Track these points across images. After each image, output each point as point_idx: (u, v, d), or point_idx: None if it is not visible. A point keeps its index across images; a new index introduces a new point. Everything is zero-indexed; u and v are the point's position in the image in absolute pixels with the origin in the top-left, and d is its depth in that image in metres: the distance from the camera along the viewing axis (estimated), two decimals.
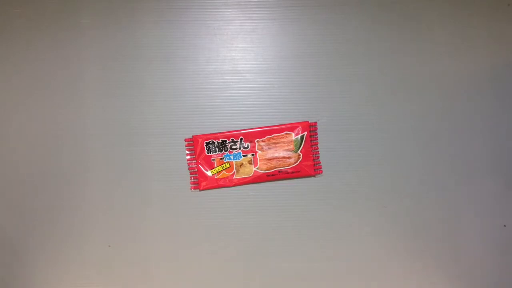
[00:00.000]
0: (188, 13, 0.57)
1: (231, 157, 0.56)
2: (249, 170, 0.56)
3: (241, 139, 0.56)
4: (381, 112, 0.57)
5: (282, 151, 0.56)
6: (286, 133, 0.56)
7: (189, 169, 0.57)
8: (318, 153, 0.57)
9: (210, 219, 0.57)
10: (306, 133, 0.56)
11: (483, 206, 0.58)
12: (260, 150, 0.56)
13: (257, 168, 0.56)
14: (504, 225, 0.58)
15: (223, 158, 0.56)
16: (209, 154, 0.56)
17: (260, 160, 0.56)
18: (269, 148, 0.56)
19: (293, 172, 0.56)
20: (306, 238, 0.58)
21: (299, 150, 0.56)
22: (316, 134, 0.57)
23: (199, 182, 0.57)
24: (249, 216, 0.58)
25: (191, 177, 0.57)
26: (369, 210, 0.57)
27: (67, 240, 0.57)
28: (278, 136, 0.56)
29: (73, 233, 0.57)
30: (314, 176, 0.57)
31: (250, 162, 0.56)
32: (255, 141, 0.56)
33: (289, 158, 0.56)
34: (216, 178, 0.57)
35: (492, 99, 0.57)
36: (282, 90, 0.57)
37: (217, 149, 0.56)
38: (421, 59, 0.57)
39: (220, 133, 0.56)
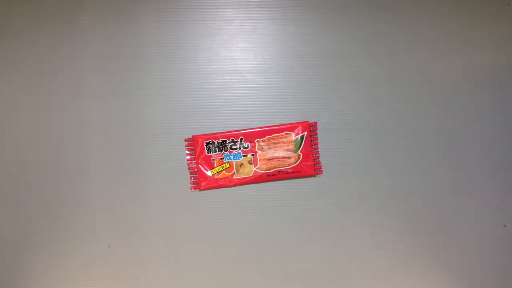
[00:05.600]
0: (188, 13, 0.57)
1: (231, 157, 0.56)
2: (249, 170, 0.56)
3: (241, 139, 0.56)
4: (381, 112, 0.57)
5: (282, 151, 0.56)
6: (286, 133, 0.56)
7: (189, 169, 0.57)
8: (318, 153, 0.57)
9: (210, 219, 0.57)
10: (306, 133, 0.56)
11: (483, 206, 0.58)
12: (260, 150, 0.56)
13: (257, 168, 0.56)
14: (504, 225, 0.58)
15: (223, 158, 0.56)
16: (209, 154, 0.56)
17: (260, 160, 0.56)
18: (269, 148, 0.56)
19: (293, 172, 0.56)
20: (306, 238, 0.58)
21: (299, 150, 0.56)
22: (316, 134, 0.57)
23: (199, 182, 0.57)
24: (249, 216, 0.58)
25: (191, 177, 0.57)
26: (369, 210, 0.58)
27: (67, 240, 0.57)
28: (278, 136, 0.56)
29: (73, 233, 0.57)
30: (314, 176, 0.57)
31: (250, 162, 0.56)
32: (255, 141, 0.56)
33: (289, 158, 0.56)
34: (216, 178, 0.57)
35: (492, 99, 0.57)
36: (282, 90, 0.57)
37: (217, 149, 0.56)
38: (421, 59, 0.57)
39: (220, 133, 0.56)
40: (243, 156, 0.56)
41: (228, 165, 0.56)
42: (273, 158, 0.56)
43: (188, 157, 0.57)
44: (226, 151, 0.56)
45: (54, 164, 0.56)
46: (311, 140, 0.57)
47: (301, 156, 0.56)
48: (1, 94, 0.56)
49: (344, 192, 0.57)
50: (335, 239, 0.58)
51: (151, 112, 0.57)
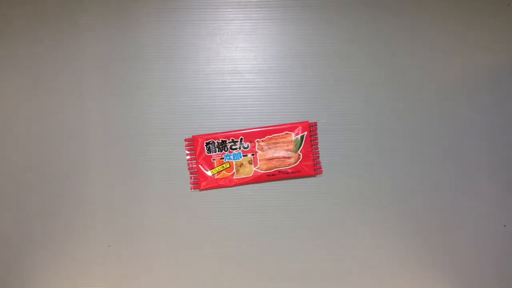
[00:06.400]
0: (188, 13, 0.57)
1: (231, 157, 0.56)
2: (249, 170, 0.56)
3: (241, 139, 0.56)
4: (381, 112, 0.57)
5: (282, 151, 0.56)
6: (286, 133, 0.56)
7: (189, 169, 0.57)
8: (318, 153, 0.57)
9: (210, 219, 0.57)
10: (306, 133, 0.56)
11: (483, 206, 0.58)
12: (260, 150, 0.56)
13: (257, 168, 0.56)
14: (504, 225, 0.58)
15: (223, 158, 0.56)
16: (209, 154, 0.56)
17: (260, 160, 0.56)
18: (269, 148, 0.56)
19: (293, 172, 0.56)
20: (306, 238, 0.58)
21: (299, 150, 0.56)
22: (316, 134, 0.57)
23: (199, 182, 0.57)
24: (249, 216, 0.58)
25: (191, 177, 0.57)
26: (369, 210, 0.58)
27: (67, 240, 0.57)
28: (278, 136, 0.56)
29: (73, 233, 0.57)
30: (314, 176, 0.57)
31: (250, 162, 0.56)
32: (255, 141, 0.56)
33: (289, 158, 0.56)
34: (216, 178, 0.57)
35: (492, 99, 0.57)
36: (282, 90, 0.57)
37: (217, 149, 0.56)
38: (421, 59, 0.57)
39: (220, 133, 0.56)
40: (243, 156, 0.56)
41: (228, 165, 0.56)
42: (273, 158, 0.56)
43: (188, 157, 0.57)
44: (226, 151, 0.56)
45: (54, 164, 0.56)
46: (311, 140, 0.57)
47: (301, 156, 0.56)
48: (1, 94, 0.56)
49: (344, 192, 0.57)
50: (335, 239, 0.58)
51: (151, 112, 0.57)
